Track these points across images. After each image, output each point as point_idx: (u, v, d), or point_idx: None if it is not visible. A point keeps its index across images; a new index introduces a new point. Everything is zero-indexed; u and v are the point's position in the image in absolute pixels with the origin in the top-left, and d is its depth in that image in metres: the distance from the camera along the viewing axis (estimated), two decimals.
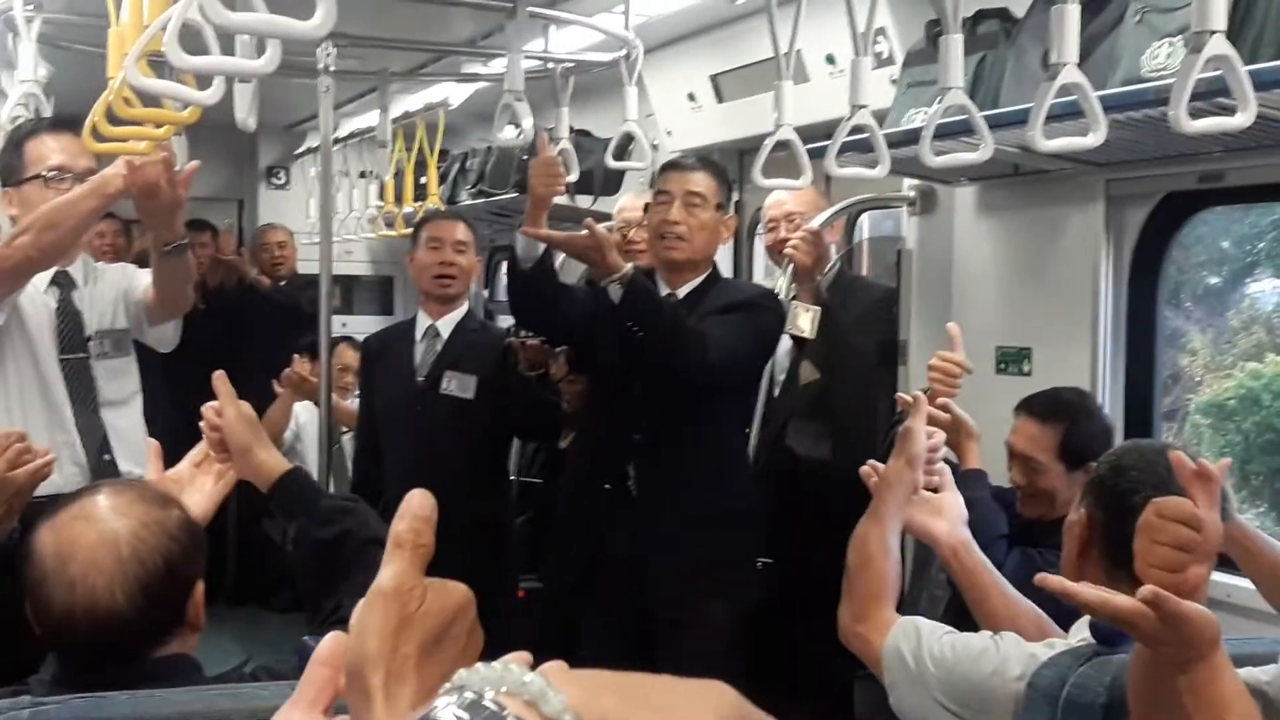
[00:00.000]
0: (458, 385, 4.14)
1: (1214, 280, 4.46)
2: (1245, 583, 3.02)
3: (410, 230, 4.97)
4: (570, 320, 3.78)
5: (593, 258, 3.42)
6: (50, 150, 3.33)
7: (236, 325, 7.10)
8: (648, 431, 3.65)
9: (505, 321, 5.82)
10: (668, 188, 3.69)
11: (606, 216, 5.49)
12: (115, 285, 3.55)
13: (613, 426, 3.72)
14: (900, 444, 2.41)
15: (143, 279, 3.57)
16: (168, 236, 3.29)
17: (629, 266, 3.43)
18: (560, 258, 3.75)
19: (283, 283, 7.55)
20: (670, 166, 3.81)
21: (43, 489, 3.18)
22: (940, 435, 2.48)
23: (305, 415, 6.11)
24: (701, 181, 3.68)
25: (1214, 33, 2.23)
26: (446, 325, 4.22)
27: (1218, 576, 3.13)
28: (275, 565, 6.63)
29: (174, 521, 1.93)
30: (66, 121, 3.36)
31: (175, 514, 1.95)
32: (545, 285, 3.67)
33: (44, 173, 3.31)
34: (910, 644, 2.17)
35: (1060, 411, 3.15)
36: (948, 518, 2.50)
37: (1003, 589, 2.45)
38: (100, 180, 3.16)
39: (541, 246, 3.62)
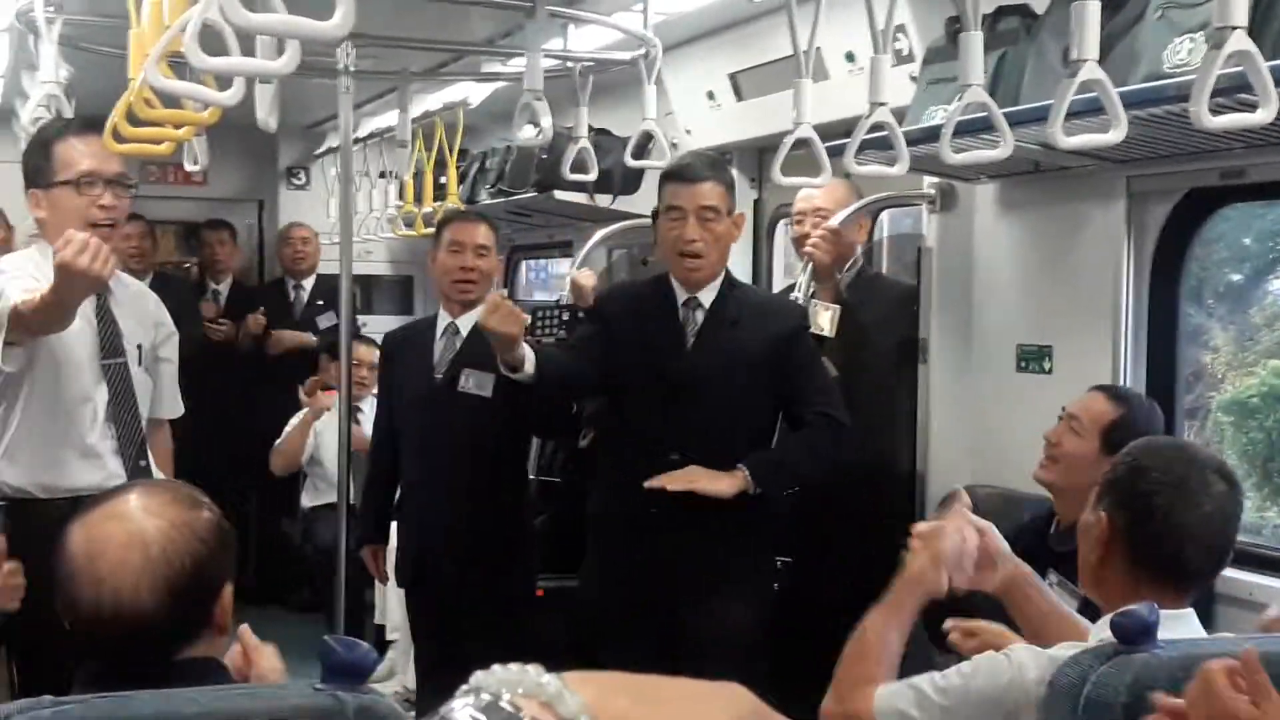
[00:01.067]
0: (475, 383, 4.14)
1: (1236, 277, 4.43)
2: (1268, 580, 3.02)
3: (430, 230, 4.98)
4: (585, 385, 3.88)
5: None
6: (80, 155, 3.33)
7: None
8: (687, 451, 3.61)
9: (527, 319, 5.83)
10: (679, 204, 3.63)
11: (624, 216, 5.50)
12: (149, 310, 3.59)
13: (649, 447, 3.67)
14: (926, 540, 2.35)
15: (170, 350, 3.64)
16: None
17: (747, 482, 3.53)
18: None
19: (304, 279, 7.61)
20: (675, 178, 3.68)
21: (81, 488, 3.21)
22: (975, 540, 2.36)
23: (322, 424, 6.16)
24: (712, 193, 3.63)
25: (1235, 28, 2.22)
26: (466, 323, 4.21)
27: (1243, 575, 3.13)
28: (295, 565, 6.66)
29: (203, 523, 1.93)
30: (94, 124, 3.36)
31: (205, 516, 1.95)
32: (552, 387, 3.74)
33: (75, 178, 3.31)
34: (907, 698, 2.13)
35: (1130, 399, 3.21)
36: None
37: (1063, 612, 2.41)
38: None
39: (530, 371, 3.61)
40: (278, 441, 6.35)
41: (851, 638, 2.30)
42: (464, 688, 0.79)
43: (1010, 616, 2.44)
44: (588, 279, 4.87)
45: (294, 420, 6.33)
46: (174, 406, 3.71)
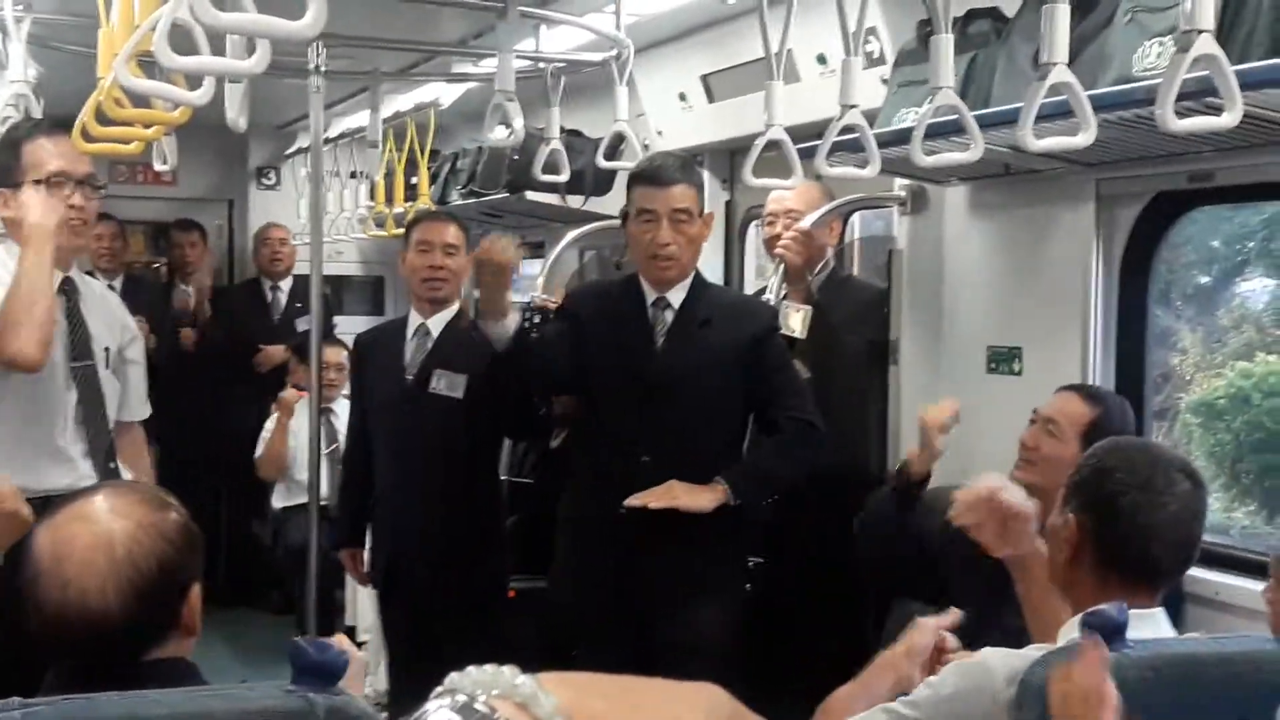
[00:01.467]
0: (447, 384, 4.13)
1: (1204, 279, 4.46)
2: (1247, 583, 3.04)
3: (401, 230, 4.96)
4: (555, 378, 3.86)
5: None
6: (49, 155, 3.32)
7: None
8: (658, 452, 3.61)
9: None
10: (652, 206, 3.63)
11: (596, 217, 5.50)
12: (115, 314, 3.58)
13: (620, 448, 3.67)
14: (909, 634, 2.36)
15: (136, 353, 3.66)
16: None
17: (726, 494, 3.55)
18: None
19: (282, 281, 7.57)
20: (647, 181, 3.66)
21: (53, 490, 3.19)
22: (954, 644, 2.36)
23: (295, 424, 6.15)
24: (685, 196, 3.63)
25: (1202, 32, 2.23)
26: (437, 324, 4.21)
27: (1211, 575, 3.15)
28: (266, 566, 6.64)
29: (170, 524, 1.93)
30: (63, 124, 3.35)
31: (172, 517, 1.95)
32: (528, 360, 3.75)
33: (45, 178, 3.30)
34: None
35: (1106, 399, 3.22)
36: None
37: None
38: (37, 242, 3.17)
39: (511, 328, 3.67)
40: (259, 450, 6.33)
41: (823, 707, 2.32)
42: (439, 689, 0.79)
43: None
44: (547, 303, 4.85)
45: (268, 425, 6.32)
46: (141, 408, 3.70)
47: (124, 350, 3.59)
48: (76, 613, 1.84)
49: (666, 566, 3.60)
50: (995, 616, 2.77)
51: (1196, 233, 4.14)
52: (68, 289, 3.42)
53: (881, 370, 4.23)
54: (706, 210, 3.73)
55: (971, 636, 2.40)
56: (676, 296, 3.69)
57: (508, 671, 0.79)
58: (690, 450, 3.61)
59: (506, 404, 4.05)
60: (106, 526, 1.87)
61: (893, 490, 3.59)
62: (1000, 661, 2.08)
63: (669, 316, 3.69)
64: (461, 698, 0.77)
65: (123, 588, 1.84)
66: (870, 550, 3.70)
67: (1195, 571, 3.08)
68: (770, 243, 4.29)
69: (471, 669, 0.80)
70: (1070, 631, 2.08)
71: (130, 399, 3.63)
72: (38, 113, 3.85)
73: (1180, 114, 2.31)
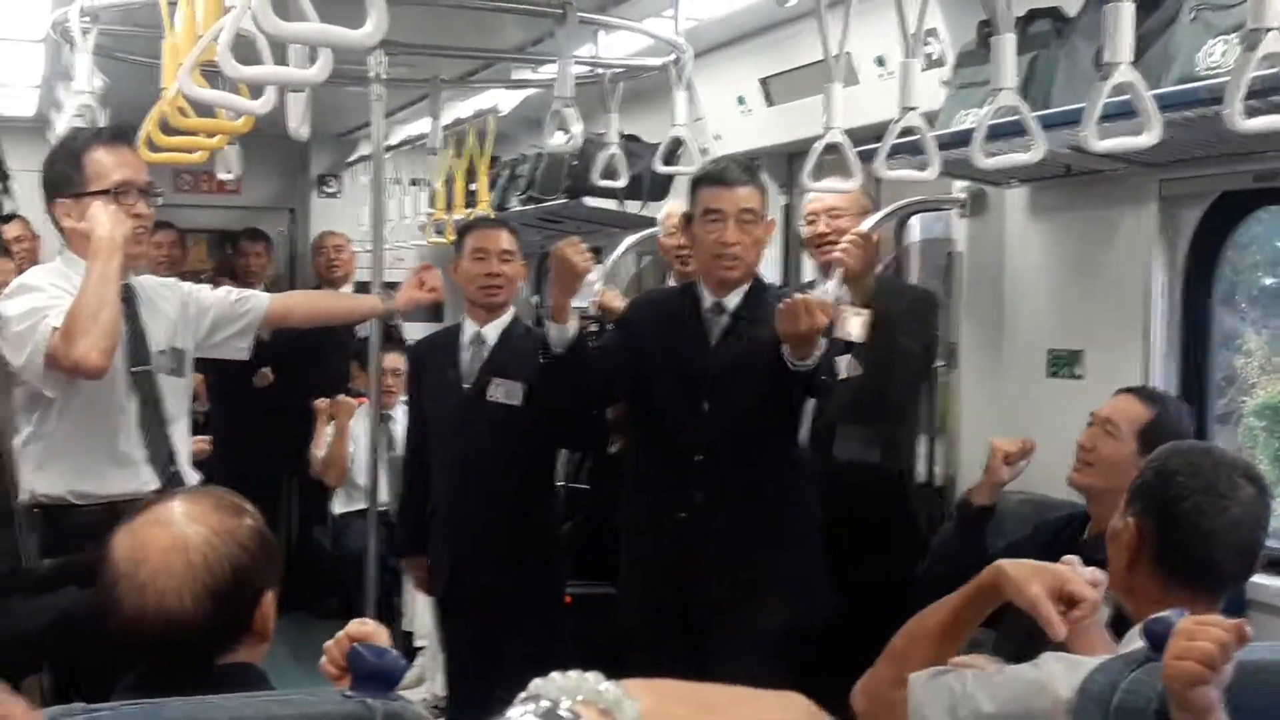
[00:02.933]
0: (504, 392, 4.14)
1: (1270, 281, 4.40)
2: None
3: None
4: (599, 390, 3.85)
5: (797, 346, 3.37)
6: (112, 165, 3.35)
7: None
8: (711, 452, 3.63)
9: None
10: (719, 206, 3.63)
11: (654, 222, 5.50)
12: (174, 305, 3.60)
13: (674, 449, 3.69)
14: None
15: (205, 298, 3.67)
16: None
17: (824, 345, 3.41)
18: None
19: (341, 288, 7.59)
20: (715, 182, 3.67)
21: (116, 495, 3.25)
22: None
23: (359, 427, 6.18)
24: (752, 197, 3.64)
25: (1270, 30, 2.20)
26: (493, 331, 4.22)
27: (1275, 582, 3.11)
28: (325, 571, 6.68)
29: (245, 530, 1.96)
30: (122, 134, 3.39)
31: (248, 523, 1.98)
32: (579, 369, 3.72)
33: (111, 188, 3.34)
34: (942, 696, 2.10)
35: (1164, 400, 3.19)
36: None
37: None
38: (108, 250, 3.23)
39: (573, 332, 3.64)
40: (321, 455, 6.36)
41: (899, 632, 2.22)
42: (522, 695, 0.79)
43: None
44: (616, 300, 4.86)
45: (327, 430, 6.35)
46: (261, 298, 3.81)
47: (199, 325, 3.64)
48: (154, 616, 1.87)
49: (723, 568, 3.60)
50: (1040, 645, 2.75)
51: (1262, 233, 4.08)
52: (127, 296, 3.46)
53: (931, 374, 4.20)
54: (769, 218, 3.74)
55: (1018, 656, 2.37)
56: (733, 300, 3.69)
57: (592, 677, 0.79)
58: (743, 449, 3.61)
59: (562, 411, 4.06)
60: (183, 531, 1.91)
61: (957, 525, 3.58)
62: (1060, 669, 2.06)
63: (724, 320, 3.70)
64: (546, 704, 0.77)
65: (198, 592, 1.88)
66: (942, 578, 3.66)
67: (1259, 578, 3.03)
68: (811, 241, 4.26)
69: (555, 674, 0.80)
70: (1134, 640, 2.06)
71: (235, 305, 3.72)
72: (103, 123, 3.90)
73: (1247, 113, 2.28)
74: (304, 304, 4.15)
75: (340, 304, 4.90)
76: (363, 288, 7.37)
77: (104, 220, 3.25)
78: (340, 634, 1.96)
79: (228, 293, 3.76)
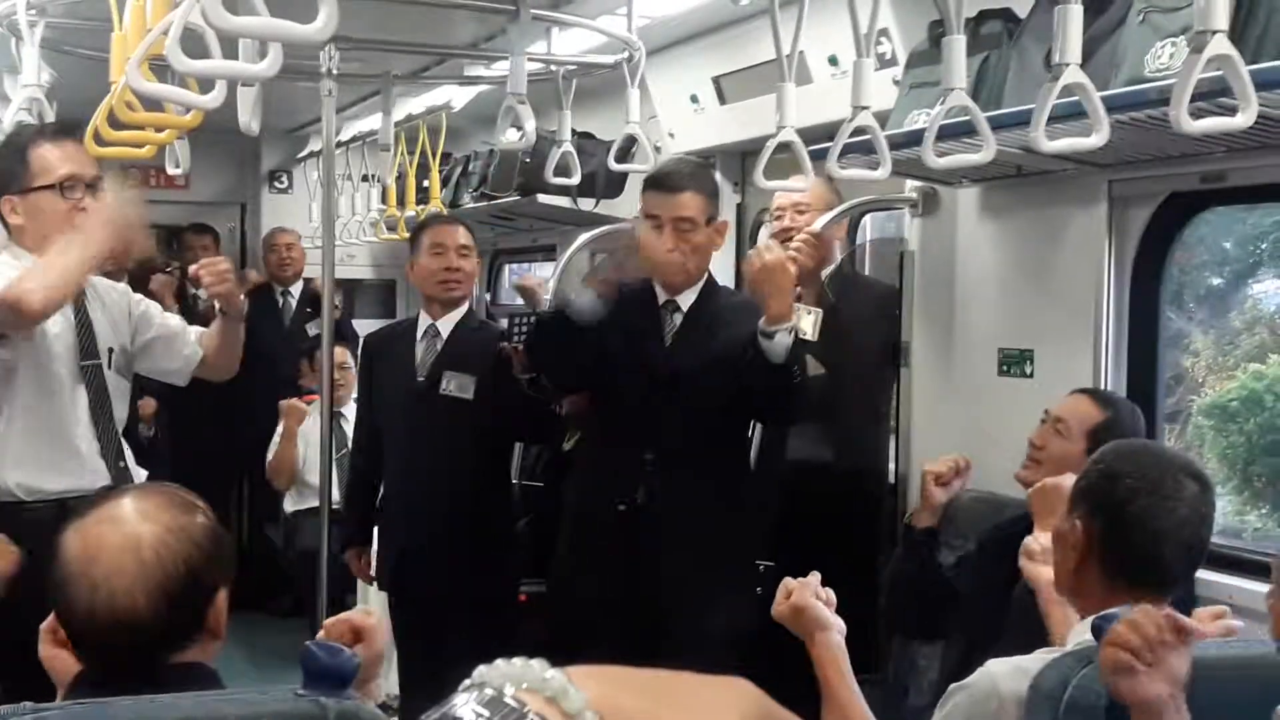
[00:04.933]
0: (457, 385, 4.14)
1: (1217, 281, 4.45)
2: (1259, 586, 3.03)
3: None
4: (584, 368, 3.82)
5: (770, 298, 3.45)
6: (59, 159, 3.33)
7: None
8: (661, 451, 3.64)
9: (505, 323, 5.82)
10: (656, 212, 3.66)
11: (608, 219, 5.50)
12: (123, 310, 3.58)
13: (624, 446, 3.70)
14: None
15: (151, 315, 3.66)
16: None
17: (796, 317, 3.47)
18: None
19: (291, 285, 7.56)
20: (655, 187, 3.72)
21: (67, 491, 3.22)
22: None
23: (305, 428, 6.17)
24: (689, 204, 3.65)
25: (1215, 32, 2.22)
26: (446, 325, 4.22)
27: (1224, 578, 3.14)
28: (278, 570, 6.64)
29: (198, 528, 1.94)
30: (67, 129, 3.37)
31: (200, 520, 1.96)
32: (578, 334, 3.70)
33: (57, 183, 3.31)
34: None
35: (1116, 403, 3.24)
36: None
37: None
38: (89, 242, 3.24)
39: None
40: (270, 458, 6.35)
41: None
42: (466, 683, 0.78)
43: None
44: (534, 281, 4.84)
45: (278, 432, 6.33)
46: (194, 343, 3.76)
47: (139, 333, 3.60)
48: (105, 614, 1.85)
49: (670, 563, 3.61)
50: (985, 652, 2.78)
51: (1209, 234, 4.13)
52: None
53: (893, 371, 4.22)
54: (721, 218, 3.74)
55: (961, 667, 2.40)
56: (687, 299, 3.72)
57: (537, 665, 0.78)
58: (694, 449, 3.63)
59: (515, 408, 4.05)
60: (135, 529, 1.89)
61: (905, 551, 3.61)
62: (1001, 670, 2.08)
63: (678, 319, 3.71)
64: (490, 691, 0.77)
65: (151, 591, 1.86)
66: (899, 607, 3.68)
67: (1208, 575, 3.07)
68: (778, 237, 4.28)
69: (500, 662, 0.79)
70: (1081, 634, 2.07)
71: (187, 337, 3.69)
72: (50, 117, 3.86)
73: (1194, 115, 2.30)
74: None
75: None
76: (317, 285, 7.35)
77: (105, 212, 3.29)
78: (341, 617, 1.96)
79: (179, 325, 3.73)
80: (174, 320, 3.73)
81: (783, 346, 3.45)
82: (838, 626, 2.39)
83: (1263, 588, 2.99)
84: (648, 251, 3.68)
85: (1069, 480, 2.63)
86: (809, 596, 2.39)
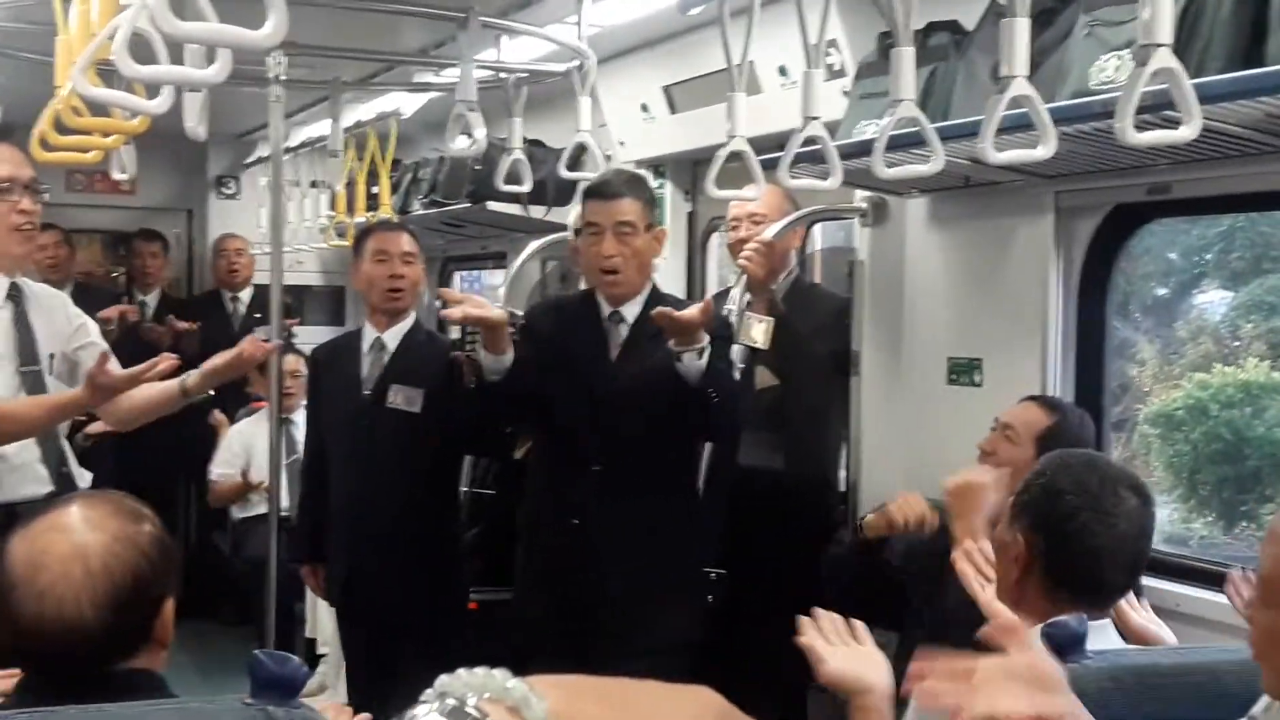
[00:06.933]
0: (404, 399, 4.10)
1: (1162, 291, 4.50)
2: (1205, 594, 3.07)
3: None
4: (531, 403, 3.78)
5: (685, 332, 3.43)
6: None
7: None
8: (608, 463, 3.64)
9: (455, 333, 5.81)
10: (596, 220, 3.66)
11: (558, 227, 5.50)
12: (64, 318, 3.55)
13: (571, 458, 3.70)
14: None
15: (89, 328, 3.64)
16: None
17: (706, 340, 3.46)
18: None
19: (241, 291, 7.52)
20: (592, 195, 3.73)
21: (13, 500, 3.18)
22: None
23: (252, 435, 6.14)
24: (629, 209, 3.65)
25: (1160, 46, 2.25)
26: (393, 338, 4.18)
27: (1171, 586, 3.17)
28: (226, 578, 6.59)
29: (146, 537, 1.92)
30: (4, 133, 3.34)
31: (147, 529, 1.94)
32: (516, 388, 3.67)
33: None
34: None
35: (1063, 409, 3.26)
36: None
37: None
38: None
39: (509, 360, 3.61)
40: (212, 477, 6.37)
41: None
42: (428, 693, 0.78)
43: None
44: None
45: (221, 444, 6.36)
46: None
47: (76, 350, 3.56)
48: (52, 623, 1.83)
49: (620, 573, 3.61)
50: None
51: (1155, 245, 4.18)
52: (15, 295, 3.40)
53: (845, 380, 4.24)
54: (661, 226, 3.75)
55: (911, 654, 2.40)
56: (631, 310, 3.71)
57: (499, 674, 0.78)
58: (642, 461, 3.63)
59: (466, 421, 4.03)
60: (83, 538, 1.87)
61: (852, 546, 3.61)
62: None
63: (624, 330, 3.71)
64: (451, 701, 0.76)
65: (98, 600, 1.84)
66: (838, 594, 3.68)
67: (1156, 583, 3.11)
68: (734, 247, 4.29)
69: (461, 672, 0.79)
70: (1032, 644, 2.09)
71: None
72: None
73: (1139, 127, 2.33)
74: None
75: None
76: (262, 291, 7.31)
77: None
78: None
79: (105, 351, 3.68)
80: (104, 345, 3.67)
81: (695, 369, 3.46)
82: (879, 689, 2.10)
83: (1209, 595, 3.04)
84: (589, 260, 3.69)
85: (985, 476, 2.66)
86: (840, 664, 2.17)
